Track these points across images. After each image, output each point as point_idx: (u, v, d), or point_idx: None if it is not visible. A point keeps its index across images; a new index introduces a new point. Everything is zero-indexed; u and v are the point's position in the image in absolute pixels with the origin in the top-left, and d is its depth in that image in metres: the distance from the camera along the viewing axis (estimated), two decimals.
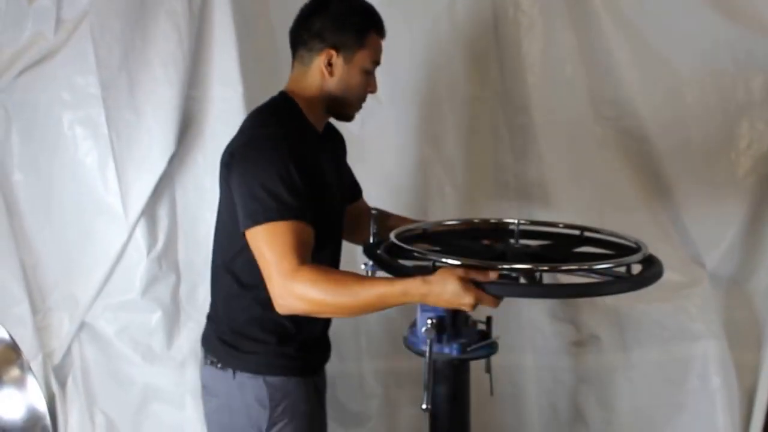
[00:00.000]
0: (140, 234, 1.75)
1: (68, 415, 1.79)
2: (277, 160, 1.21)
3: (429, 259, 1.20)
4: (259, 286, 1.20)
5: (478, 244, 1.44)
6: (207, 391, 1.37)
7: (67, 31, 1.69)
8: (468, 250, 1.35)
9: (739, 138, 1.83)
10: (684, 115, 1.81)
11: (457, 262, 1.15)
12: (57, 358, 1.79)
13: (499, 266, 1.18)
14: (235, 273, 1.30)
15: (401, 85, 1.84)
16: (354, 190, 1.56)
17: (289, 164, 1.20)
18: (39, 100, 1.72)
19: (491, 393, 1.37)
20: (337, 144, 1.48)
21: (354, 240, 1.55)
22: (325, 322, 1.39)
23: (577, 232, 1.47)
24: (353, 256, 1.63)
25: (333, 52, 1.31)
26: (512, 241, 1.48)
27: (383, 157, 1.85)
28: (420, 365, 1.23)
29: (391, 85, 1.82)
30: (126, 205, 1.73)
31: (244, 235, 1.21)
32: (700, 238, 1.86)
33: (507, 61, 1.84)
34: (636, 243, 1.33)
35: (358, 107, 1.38)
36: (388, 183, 1.85)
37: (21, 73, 1.70)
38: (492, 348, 1.32)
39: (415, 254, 1.27)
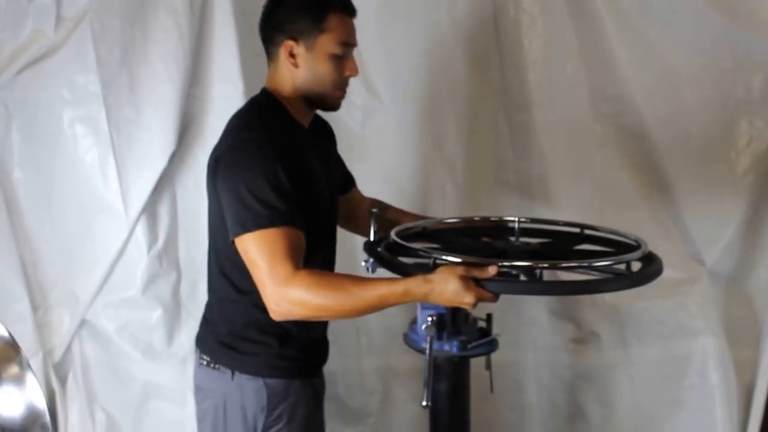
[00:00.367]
0: (141, 231, 1.75)
1: (69, 412, 1.79)
2: (263, 164, 1.18)
3: (429, 257, 1.20)
4: (255, 291, 1.18)
5: (479, 242, 1.45)
6: (201, 392, 1.34)
7: (68, 29, 1.69)
8: (468, 248, 1.35)
9: (738, 136, 1.83)
10: (684, 113, 1.82)
11: (458, 260, 1.16)
12: (57, 356, 1.79)
13: (500, 263, 1.18)
14: (230, 277, 1.28)
15: (402, 84, 1.84)
16: (346, 181, 1.54)
17: (276, 167, 1.17)
18: (39, 98, 1.72)
19: (491, 390, 1.37)
20: (326, 137, 1.45)
21: (350, 228, 1.55)
22: (325, 323, 1.39)
23: (577, 230, 1.47)
24: (354, 255, 1.63)
25: (292, 43, 1.26)
26: (512, 238, 1.48)
27: (384, 155, 1.85)
28: (420, 362, 1.23)
29: (392, 84, 1.83)
30: (126, 202, 1.73)
31: (233, 242, 1.19)
32: (700, 235, 1.86)
33: (507, 60, 1.84)
34: (636, 240, 1.33)
35: (339, 94, 1.30)
36: (389, 181, 1.85)
37: (21, 70, 1.70)
38: (492, 345, 1.32)
39: (416, 252, 1.27)
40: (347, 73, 1.29)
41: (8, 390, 0.96)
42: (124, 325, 1.79)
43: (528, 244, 1.41)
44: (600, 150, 1.87)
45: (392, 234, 1.35)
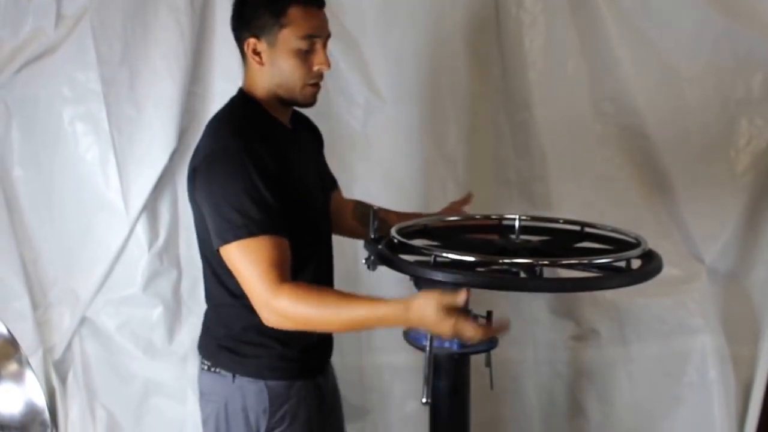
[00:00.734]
0: (141, 229, 1.75)
1: (69, 410, 1.79)
2: (238, 173, 1.15)
3: (429, 254, 1.20)
4: None
5: (479, 240, 1.45)
6: (204, 396, 1.33)
7: (68, 26, 1.69)
8: (468, 246, 1.35)
9: (738, 135, 1.83)
10: (684, 112, 1.82)
11: (458, 257, 1.16)
12: (58, 353, 1.79)
13: (500, 260, 1.18)
14: (224, 283, 1.27)
15: (403, 83, 1.84)
16: (329, 182, 1.51)
17: (253, 175, 1.15)
18: (39, 96, 1.72)
19: (491, 387, 1.37)
20: (311, 137, 1.43)
21: (336, 231, 1.53)
22: None
23: (577, 228, 1.47)
24: (355, 254, 1.63)
25: (254, 40, 1.22)
26: (513, 236, 1.48)
27: (386, 154, 1.85)
28: (420, 359, 1.23)
29: (394, 83, 1.83)
30: (127, 200, 1.73)
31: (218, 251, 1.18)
32: (699, 233, 1.87)
33: (509, 59, 1.84)
34: (636, 238, 1.33)
35: (311, 90, 1.25)
36: (391, 180, 1.85)
37: (21, 68, 1.70)
38: (492, 342, 1.32)
39: (416, 249, 1.27)
40: (316, 67, 1.23)
41: (7, 387, 0.97)
42: (124, 323, 1.79)
43: (528, 241, 1.42)
44: (600, 148, 1.87)
45: (393, 231, 1.35)
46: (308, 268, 1.27)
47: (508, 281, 1.20)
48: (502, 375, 1.78)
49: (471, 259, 1.17)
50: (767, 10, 1.77)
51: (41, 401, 0.97)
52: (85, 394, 1.80)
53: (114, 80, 1.70)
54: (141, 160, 1.73)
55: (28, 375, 0.98)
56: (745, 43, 1.77)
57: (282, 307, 1.12)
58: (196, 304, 1.79)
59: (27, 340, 1.74)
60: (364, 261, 1.34)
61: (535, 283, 1.20)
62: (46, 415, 0.97)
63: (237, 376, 1.27)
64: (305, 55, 1.22)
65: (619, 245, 1.36)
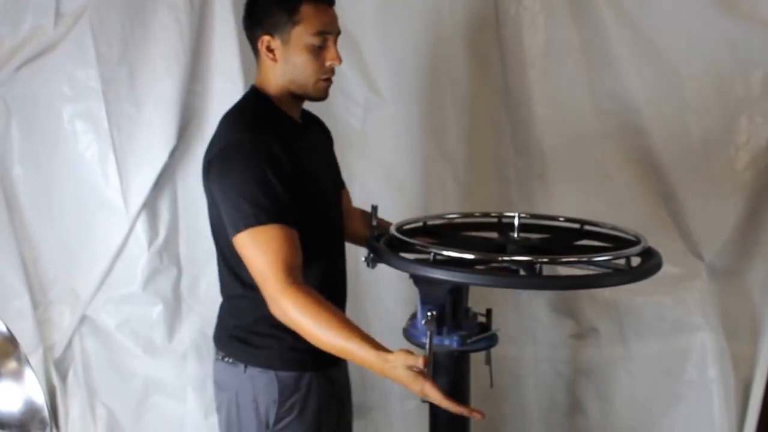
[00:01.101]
0: (141, 227, 1.75)
1: (69, 408, 1.79)
2: (252, 164, 1.19)
3: (428, 252, 1.20)
4: None
5: (478, 238, 1.45)
6: (218, 386, 1.37)
7: (67, 24, 1.68)
8: (468, 243, 1.35)
9: (738, 132, 1.83)
10: (683, 110, 1.82)
11: (457, 255, 1.16)
12: (58, 352, 1.79)
13: (499, 258, 1.19)
14: (237, 274, 1.29)
15: (403, 82, 1.84)
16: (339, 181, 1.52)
17: (265, 167, 1.18)
18: (39, 94, 1.72)
19: (491, 385, 1.38)
20: (322, 134, 1.45)
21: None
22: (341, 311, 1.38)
23: (576, 226, 1.47)
24: (355, 252, 1.63)
25: (268, 38, 1.26)
26: (512, 234, 1.48)
27: (385, 152, 1.85)
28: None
29: (393, 81, 1.83)
30: (127, 198, 1.73)
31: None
32: (699, 231, 1.87)
33: (508, 56, 1.84)
34: (635, 236, 1.34)
35: (323, 84, 1.29)
36: (391, 178, 1.85)
37: (21, 66, 1.69)
38: (492, 340, 1.33)
39: (416, 247, 1.27)
40: (328, 63, 1.28)
41: (7, 385, 0.97)
42: (124, 321, 1.79)
43: (528, 239, 1.42)
44: (600, 146, 1.87)
45: (392, 229, 1.35)
46: (319, 261, 1.29)
47: (508, 279, 1.20)
48: (502, 373, 1.78)
49: (470, 256, 1.18)
50: (767, 9, 1.77)
51: (40, 399, 0.97)
52: (85, 393, 1.80)
53: (113, 78, 1.69)
54: (141, 158, 1.73)
55: (28, 373, 0.98)
56: (745, 41, 1.77)
57: (284, 308, 1.14)
58: (196, 302, 1.80)
59: (27, 339, 1.74)
60: (363, 259, 1.34)
61: (534, 281, 1.20)
62: (46, 413, 0.97)
63: (248, 366, 1.30)
64: (318, 51, 1.26)
65: (619, 243, 1.37)
